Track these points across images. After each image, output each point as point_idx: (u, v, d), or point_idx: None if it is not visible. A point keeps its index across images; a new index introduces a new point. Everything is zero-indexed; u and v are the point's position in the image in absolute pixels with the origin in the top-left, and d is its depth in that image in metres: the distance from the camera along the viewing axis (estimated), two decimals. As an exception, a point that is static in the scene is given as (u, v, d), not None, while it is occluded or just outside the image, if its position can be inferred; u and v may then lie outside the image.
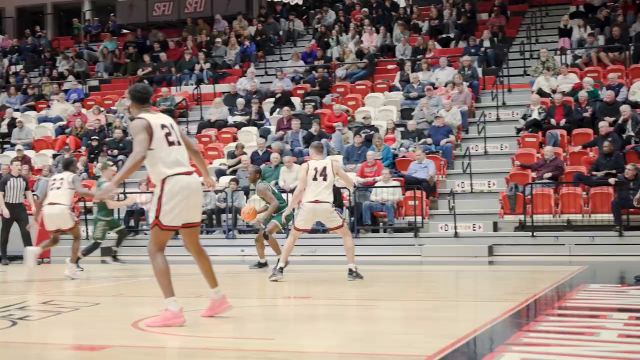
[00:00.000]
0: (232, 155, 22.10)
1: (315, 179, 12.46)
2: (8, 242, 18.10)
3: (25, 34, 35.07)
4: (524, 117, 21.92)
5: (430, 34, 27.83)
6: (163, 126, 7.77)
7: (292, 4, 28.70)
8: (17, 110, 28.32)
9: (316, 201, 12.46)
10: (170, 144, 7.75)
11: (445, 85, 24.02)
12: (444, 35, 27.84)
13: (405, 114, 23.41)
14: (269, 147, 22.13)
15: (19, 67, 32.48)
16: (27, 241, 17.82)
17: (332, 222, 12.75)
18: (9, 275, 15.81)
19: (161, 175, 7.68)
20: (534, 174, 19.48)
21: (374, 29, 28.23)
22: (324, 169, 12.56)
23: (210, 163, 22.02)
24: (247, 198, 20.36)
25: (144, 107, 7.93)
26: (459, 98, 23.11)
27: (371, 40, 27.73)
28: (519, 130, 21.76)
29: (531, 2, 29.91)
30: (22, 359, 6.44)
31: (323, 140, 22.11)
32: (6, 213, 17.78)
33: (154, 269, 7.71)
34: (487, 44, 26.06)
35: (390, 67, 26.93)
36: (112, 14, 35.64)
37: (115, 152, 23.79)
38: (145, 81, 28.53)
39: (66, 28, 37.09)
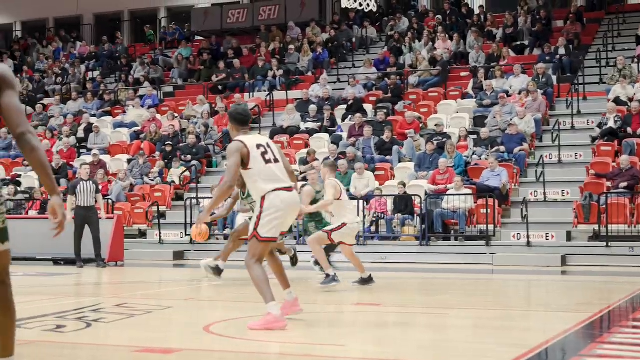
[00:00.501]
0: (304, 161, 22.18)
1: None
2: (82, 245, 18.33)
3: (103, 40, 35.69)
4: (600, 126, 21.61)
5: (504, 41, 27.59)
6: (259, 145, 7.98)
7: (366, 11, 28.63)
8: (93, 115, 28.81)
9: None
10: (267, 161, 7.96)
11: (519, 93, 23.78)
12: (518, 43, 27.57)
13: (478, 121, 23.25)
14: (341, 153, 22.14)
15: (96, 73, 33.04)
16: (97, 244, 18.07)
17: None
18: (84, 277, 16.07)
19: (261, 192, 7.93)
20: (609, 183, 19.18)
21: (447, 35, 28.11)
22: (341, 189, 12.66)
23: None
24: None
25: (243, 129, 8.16)
26: (533, 106, 22.87)
27: (444, 47, 27.61)
28: (594, 139, 21.44)
29: (608, 9, 29.49)
30: None
31: (394, 147, 22.12)
32: (68, 218, 17.85)
33: (252, 279, 7.87)
34: (562, 51, 25.74)
35: (463, 74, 26.78)
36: (178, 23, 36.13)
37: (189, 157, 24.06)
38: (220, 87, 28.87)
39: (142, 35, 37.64)
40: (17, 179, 24.34)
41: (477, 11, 30.83)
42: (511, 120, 22.03)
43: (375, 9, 29.87)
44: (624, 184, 18.75)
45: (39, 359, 6.23)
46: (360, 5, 27.65)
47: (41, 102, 30.95)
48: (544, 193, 20.15)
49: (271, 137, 24.71)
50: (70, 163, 25.20)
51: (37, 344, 7.18)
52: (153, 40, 36.24)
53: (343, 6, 28.73)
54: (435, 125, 22.63)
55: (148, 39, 36.48)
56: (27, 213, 22.03)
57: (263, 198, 7.91)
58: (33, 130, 4.60)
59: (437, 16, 30.41)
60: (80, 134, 27.51)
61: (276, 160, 8.06)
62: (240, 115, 8.23)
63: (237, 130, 8.15)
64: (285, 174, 8.12)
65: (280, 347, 7.13)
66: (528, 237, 18.67)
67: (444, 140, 21.65)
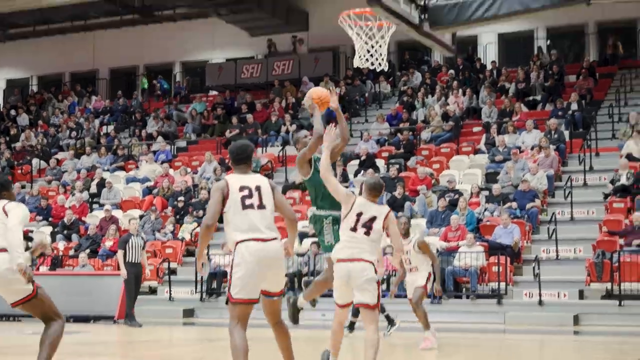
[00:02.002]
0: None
1: None
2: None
3: (118, 95, 35.92)
4: (612, 182, 21.52)
5: (517, 96, 27.63)
6: (243, 188, 7.23)
7: (378, 70, 28.68)
8: (106, 170, 28.91)
9: None
10: (246, 206, 7.18)
11: (532, 149, 23.74)
12: (530, 98, 27.62)
13: (491, 177, 23.20)
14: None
15: (110, 128, 33.22)
16: (134, 302, 18.08)
17: None
18: (94, 336, 15.99)
19: (232, 242, 7.20)
20: (622, 241, 19.03)
21: (460, 91, 28.16)
22: None
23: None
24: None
25: (239, 167, 7.43)
26: (546, 162, 22.80)
27: (457, 103, 27.65)
28: (606, 196, 21.35)
29: (621, 64, 29.49)
30: None
31: (407, 204, 22.04)
32: (123, 273, 17.83)
33: (230, 347, 7.23)
34: (574, 106, 25.70)
35: (475, 129, 26.75)
36: (193, 77, 36.44)
37: (201, 213, 24.04)
38: (233, 142, 28.90)
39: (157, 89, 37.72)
40: (29, 234, 24.36)
41: (489, 66, 30.90)
42: (523, 176, 21.96)
43: (386, 69, 29.95)
44: (637, 242, 18.62)
45: None
46: (372, 64, 27.72)
47: (55, 156, 31.08)
48: (556, 251, 19.96)
49: (283, 193, 24.69)
50: (82, 218, 25.25)
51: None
52: (147, 89, 36.62)
53: (355, 66, 28.84)
54: (448, 182, 22.57)
55: (143, 89, 36.86)
56: (37, 269, 22.02)
57: (235, 248, 7.17)
58: None
59: (450, 71, 30.45)
60: (93, 189, 27.58)
61: (261, 207, 7.24)
62: (233, 153, 7.52)
63: (233, 168, 7.47)
64: (267, 223, 7.23)
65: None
66: (540, 295, 18.50)
67: (456, 196, 21.59)
